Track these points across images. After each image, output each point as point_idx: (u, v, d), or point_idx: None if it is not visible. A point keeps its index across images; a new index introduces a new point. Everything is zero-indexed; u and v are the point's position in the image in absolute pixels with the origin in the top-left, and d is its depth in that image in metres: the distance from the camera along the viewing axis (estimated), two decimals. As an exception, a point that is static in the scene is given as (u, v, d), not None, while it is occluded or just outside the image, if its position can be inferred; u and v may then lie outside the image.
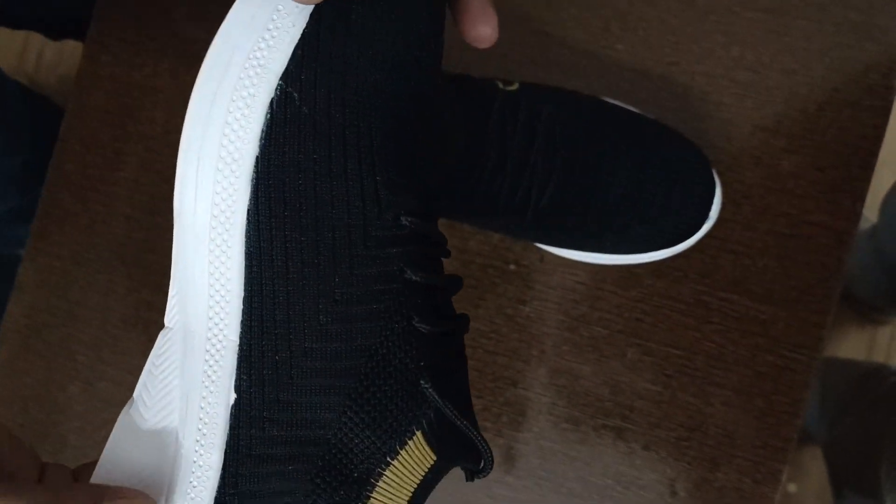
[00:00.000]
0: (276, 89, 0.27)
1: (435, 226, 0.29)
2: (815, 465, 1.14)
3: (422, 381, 0.27)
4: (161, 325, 0.58)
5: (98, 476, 0.30)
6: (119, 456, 0.30)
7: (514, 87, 0.51)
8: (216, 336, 0.29)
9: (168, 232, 0.63)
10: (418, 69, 0.28)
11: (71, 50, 1.30)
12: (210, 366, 0.29)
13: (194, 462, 0.29)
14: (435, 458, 0.28)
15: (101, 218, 0.61)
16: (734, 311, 0.54)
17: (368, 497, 0.28)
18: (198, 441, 0.29)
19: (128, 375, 0.60)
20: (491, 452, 0.29)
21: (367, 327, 0.27)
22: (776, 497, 0.52)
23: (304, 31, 0.27)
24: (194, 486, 0.29)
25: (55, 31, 0.95)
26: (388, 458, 0.28)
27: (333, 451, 0.28)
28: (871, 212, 0.93)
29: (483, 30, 0.32)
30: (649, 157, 0.50)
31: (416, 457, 0.28)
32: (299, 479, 0.28)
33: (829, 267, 0.53)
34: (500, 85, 0.51)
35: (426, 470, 0.28)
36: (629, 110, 0.53)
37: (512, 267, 0.56)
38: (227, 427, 0.28)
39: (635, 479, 0.54)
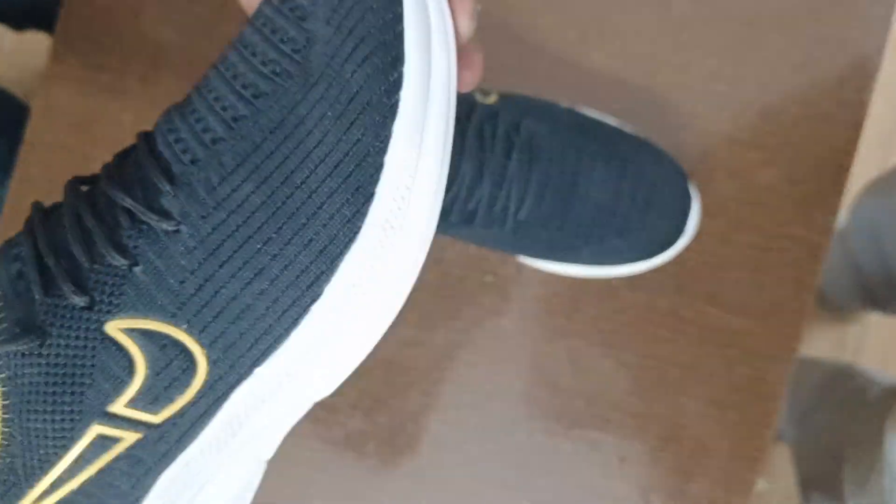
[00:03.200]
0: None
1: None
2: (784, 463, 1.16)
3: None
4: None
5: None
6: None
7: (493, 98, 0.51)
8: None
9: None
10: None
11: (32, 41, 1.27)
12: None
13: None
14: None
15: (68, 224, 0.60)
16: (709, 324, 0.54)
17: None
18: None
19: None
20: None
21: None
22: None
23: None
24: None
25: (18, 21, 0.93)
26: None
27: None
28: (841, 214, 0.94)
29: (465, 75, 0.32)
30: (627, 170, 0.50)
31: None
32: None
33: (802, 280, 0.53)
34: (479, 97, 0.50)
35: None
36: (607, 123, 0.52)
37: (489, 278, 0.56)
38: None
39: (610, 490, 0.54)
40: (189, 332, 0.28)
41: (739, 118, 0.55)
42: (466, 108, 0.49)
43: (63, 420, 0.27)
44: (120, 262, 0.27)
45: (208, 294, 0.28)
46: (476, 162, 0.48)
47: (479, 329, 0.56)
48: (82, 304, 0.27)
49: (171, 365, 0.28)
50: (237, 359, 0.28)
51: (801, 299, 0.53)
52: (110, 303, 0.28)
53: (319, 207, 0.27)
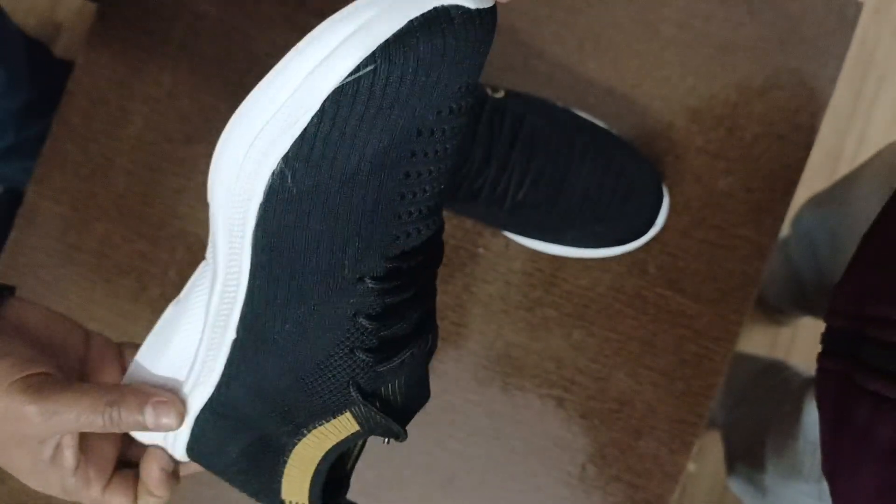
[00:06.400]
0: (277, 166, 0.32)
1: (401, 280, 0.36)
2: (712, 449, 1.26)
3: (351, 390, 0.36)
4: (154, 276, 0.65)
5: (137, 366, 0.40)
6: (158, 345, 0.40)
7: (501, 94, 0.58)
8: (230, 286, 0.36)
9: (166, 188, 0.69)
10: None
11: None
12: (225, 304, 0.37)
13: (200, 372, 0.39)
14: (358, 429, 0.38)
15: (101, 170, 0.66)
16: (667, 306, 0.62)
17: (301, 438, 0.39)
18: (205, 363, 0.39)
19: (118, 318, 0.65)
20: (403, 432, 0.38)
21: (323, 342, 0.36)
22: (687, 464, 0.62)
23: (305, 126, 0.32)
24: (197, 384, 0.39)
25: None
26: (322, 422, 0.38)
27: (286, 406, 0.38)
28: (783, 225, 1.03)
29: None
30: (610, 166, 0.58)
31: (342, 425, 0.38)
32: (261, 410, 0.38)
33: (748, 275, 0.62)
34: (489, 91, 0.58)
35: (349, 433, 0.38)
36: (596, 124, 0.60)
37: (481, 251, 0.63)
38: (227, 355, 0.38)
39: (571, 441, 0.62)
40: None
41: (709, 131, 0.63)
42: (479, 100, 0.57)
43: None
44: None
45: None
46: (485, 148, 0.55)
47: (468, 294, 0.63)
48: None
49: None
50: None
51: (746, 291, 0.62)
52: None
53: None
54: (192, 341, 0.39)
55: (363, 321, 0.35)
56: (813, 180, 1.25)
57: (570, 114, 0.60)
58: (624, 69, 0.64)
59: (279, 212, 0.33)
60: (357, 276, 0.34)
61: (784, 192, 0.63)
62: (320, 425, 0.38)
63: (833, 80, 0.63)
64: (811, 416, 0.65)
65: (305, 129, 0.30)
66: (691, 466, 1.23)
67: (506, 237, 0.63)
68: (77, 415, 0.36)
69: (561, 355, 0.63)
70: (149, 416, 0.37)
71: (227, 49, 0.66)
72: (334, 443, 0.39)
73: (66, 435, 0.37)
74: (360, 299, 0.35)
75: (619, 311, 0.63)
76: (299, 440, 0.39)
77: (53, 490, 0.39)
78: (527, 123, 0.57)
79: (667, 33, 0.64)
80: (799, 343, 1.29)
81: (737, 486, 0.88)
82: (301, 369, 0.37)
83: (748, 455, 0.81)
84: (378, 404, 0.37)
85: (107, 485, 0.40)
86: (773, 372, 0.96)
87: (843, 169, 1.29)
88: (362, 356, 0.35)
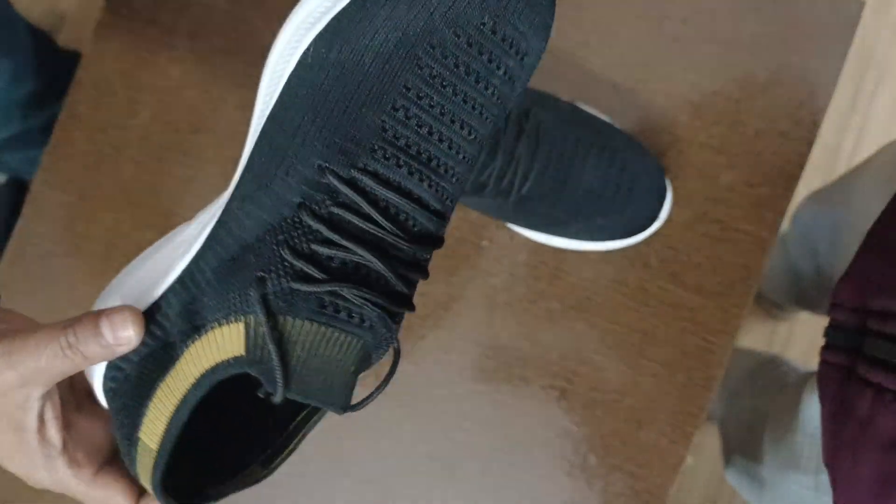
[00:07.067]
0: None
1: (361, 193, 0.33)
2: (710, 443, 1.27)
3: (254, 289, 0.32)
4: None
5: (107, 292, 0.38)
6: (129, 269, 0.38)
7: (508, 88, 0.59)
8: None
9: (174, 178, 0.69)
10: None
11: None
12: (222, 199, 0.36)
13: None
14: (242, 353, 0.32)
15: (109, 159, 0.66)
16: (669, 298, 0.63)
17: (191, 344, 0.34)
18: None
19: (125, 306, 0.66)
20: (283, 389, 0.32)
21: (260, 221, 0.34)
22: (687, 455, 0.62)
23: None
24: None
25: None
26: (214, 324, 0.33)
27: (200, 299, 0.35)
28: (783, 221, 1.04)
29: None
30: (614, 160, 0.59)
31: (230, 338, 0.33)
32: (180, 308, 0.35)
33: (750, 268, 0.63)
34: (497, 85, 0.58)
35: (231, 356, 0.33)
36: (601, 119, 0.61)
37: (485, 243, 0.64)
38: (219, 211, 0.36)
39: (573, 431, 0.63)
40: None
41: (711, 127, 0.64)
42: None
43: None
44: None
45: None
46: (492, 140, 0.56)
47: (472, 285, 0.64)
48: None
49: None
50: None
51: (747, 284, 0.63)
52: None
53: None
54: (164, 263, 0.37)
55: (305, 217, 0.33)
56: (811, 176, 1.26)
57: (575, 108, 0.61)
58: (628, 65, 0.65)
59: (294, 83, 0.33)
60: (323, 162, 0.33)
61: (785, 188, 0.63)
62: (211, 329, 0.34)
63: (835, 77, 0.64)
64: (809, 409, 0.66)
65: (340, 11, 0.32)
66: (689, 459, 1.24)
67: (510, 230, 0.64)
68: (35, 346, 0.34)
69: (564, 347, 0.64)
70: (105, 329, 0.35)
71: (234, 40, 0.66)
72: (213, 362, 0.33)
73: (46, 404, 0.36)
74: (313, 191, 0.33)
75: (621, 303, 0.64)
76: (189, 345, 0.34)
77: (41, 475, 0.38)
78: (532, 117, 0.58)
79: (671, 29, 0.64)
80: (796, 338, 1.30)
81: (734, 478, 0.89)
82: (232, 248, 0.34)
83: (745, 447, 0.82)
84: (275, 333, 0.32)
85: (98, 471, 0.38)
86: (771, 366, 0.97)
87: (842, 165, 1.30)
88: (286, 255, 0.32)
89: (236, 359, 0.32)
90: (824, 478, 0.65)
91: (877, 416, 0.44)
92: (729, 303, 0.63)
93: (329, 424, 0.64)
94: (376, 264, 0.33)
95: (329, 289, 0.32)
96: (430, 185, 0.33)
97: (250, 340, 0.32)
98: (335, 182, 0.32)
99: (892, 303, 0.44)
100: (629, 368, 0.63)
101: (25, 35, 0.84)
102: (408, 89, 0.32)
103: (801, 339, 1.30)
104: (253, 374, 0.32)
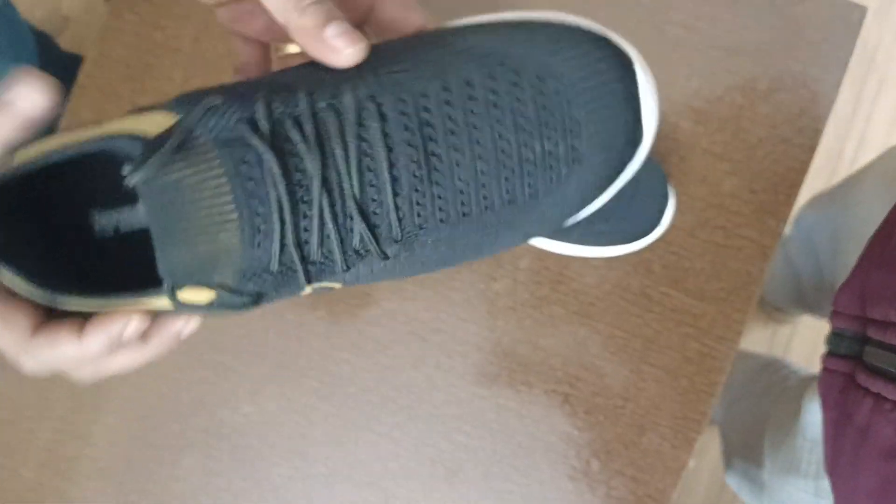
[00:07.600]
0: None
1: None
2: (711, 446, 1.27)
3: (214, 99, 0.33)
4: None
5: None
6: None
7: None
8: None
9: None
10: None
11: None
12: None
13: None
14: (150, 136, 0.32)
15: (113, 164, 0.66)
16: (671, 304, 0.63)
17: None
18: None
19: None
20: (152, 164, 0.31)
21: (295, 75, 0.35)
22: (689, 460, 0.63)
23: None
24: None
25: None
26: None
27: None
28: (785, 225, 1.05)
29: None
30: (617, 167, 0.59)
31: (154, 121, 0.33)
32: None
33: (752, 275, 0.63)
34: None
35: (137, 131, 0.33)
36: (604, 125, 0.61)
37: (488, 248, 0.64)
38: None
39: (575, 436, 0.63)
40: None
41: (714, 133, 0.64)
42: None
43: None
44: (340, 266, 0.35)
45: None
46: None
47: (474, 291, 0.64)
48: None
49: None
50: None
51: (749, 290, 0.63)
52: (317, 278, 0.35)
53: None
54: None
55: (303, 101, 0.33)
56: (813, 181, 1.26)
57: (578, 114, 0.61)
58: (631, 70, 0.65)
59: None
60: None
61: (787, 194, 0.64)
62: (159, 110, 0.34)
63: (837, 84, 0.64)
64: (810, 414, 0.66)
65: None
66: (690, 463, 1.24)
67: (513, 235, 0.64)
68: None
69: (566, 352, 0.64)
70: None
71: (238, 46, 0.66)
72: (123, 129, 0.33)
73: None
74: (338, 101, 0.33)
75: (624, 309, 0.64)
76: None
77: None
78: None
79: (673, 35, 0.65)
80: (797, 341, 1.31)
81: (734, 482, 0.90)
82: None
83: (745, 450, 0.82)
84: (186, 139, 0.32)
85: (38, 328, 0.32)
86: (772, 370, 0.97)
87: (843, 170, 1.30)
88: (259, 108, 0.33)
89: (140, 136, 0.32)
90: (824, 483, 0.66)
91: (876, 424, 0.45)
92: (731, 309, 0.63)
93: (330, 426, 0.65)
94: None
95: (257, 145, 0.32)
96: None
97: (166, 132, 0.32)
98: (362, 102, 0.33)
99: (892, 312, 0.44)
100: (632, 374, 0.63)
101: (30, 39, 0.84)
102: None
103: (803, 341, 1.30)
104: (133, 152, 0.32)
